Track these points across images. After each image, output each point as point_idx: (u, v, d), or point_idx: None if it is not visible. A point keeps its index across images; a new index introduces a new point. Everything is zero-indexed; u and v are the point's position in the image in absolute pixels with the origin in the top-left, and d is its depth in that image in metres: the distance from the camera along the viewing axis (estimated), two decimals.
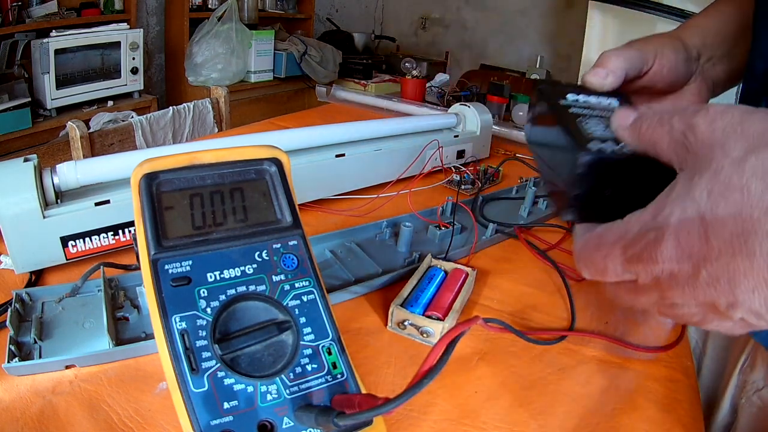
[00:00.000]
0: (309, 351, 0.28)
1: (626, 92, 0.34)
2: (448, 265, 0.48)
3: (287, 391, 0.26)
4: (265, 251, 0.30)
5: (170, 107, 1.27)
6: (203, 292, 0.27)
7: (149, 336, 0.37)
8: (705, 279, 0.20)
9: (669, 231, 0.21)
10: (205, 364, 0.25)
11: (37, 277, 0.44)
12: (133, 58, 1.89)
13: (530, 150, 0.34)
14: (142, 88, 1.98)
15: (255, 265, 0.29)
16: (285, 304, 0.29)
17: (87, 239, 0.45)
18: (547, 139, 0.30)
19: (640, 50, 0.35)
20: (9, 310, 0.36)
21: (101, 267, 0.40)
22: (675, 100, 0.39)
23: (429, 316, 0.41)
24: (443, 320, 0.40)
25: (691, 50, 0.39)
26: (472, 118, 0.82)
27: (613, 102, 0.32)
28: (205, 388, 0.25)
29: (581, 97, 0.31)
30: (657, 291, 0.23)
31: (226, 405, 0.25)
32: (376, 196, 0.63)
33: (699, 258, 0.20)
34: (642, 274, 0.23)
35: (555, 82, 0.34)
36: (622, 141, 0.25)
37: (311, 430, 0.26)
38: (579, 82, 0.34)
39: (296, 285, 0.30)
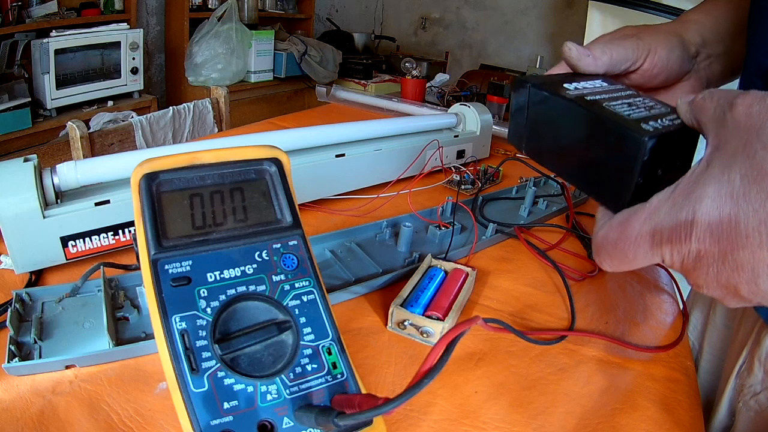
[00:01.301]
0: (309, 351, 0.28)
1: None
2: (448, 265, 0.48)
3: (287, 391, 0.26)
4: (265, 251, 0.30)
5: (170, 107, 1.27)
6: (203, 292, 0.27)
7: (149, 336, 0.37)
8: (731, 264, 0.21)
9: (702, 211, 0.21)
10: (205, 364, 0.25)
11: (37, 277, 0.44)
12: (133, 58, 1.89)
13: (531, 152, 0.33)
14: (142, 88, 1.98)
15: (255, 265, 0.29)
16: (285, 304, 0.29)
17: (87, 239, 0.45)
18: (573, 134, 0.29)
19: (630, 48, 0.34)
20: (9, 310, 0.36)
21: (101, 267, 0.40)
22: (666, 96, 0.39)
23: (429, 316, 0.41)
24: (443, 320, 0.40)
25: (690, 48, 0.38)
26: (472, 118, 0.82)
27: (605, 83, 0.32)
28: (205, 388, 0.25)
29: (581, 84, 0.31)
30: (683, 271, 0.23)
31: (226, 405, 0.25)
32: (376, 196, 0.63)
33: (728, 242, 0.20)
34: (668, 256, 0.23)
35: (533, 76, 0.33)
36: (681, 114, 0.26)
37: (311, 430, 0.26)
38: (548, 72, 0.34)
39: (296, 285, 0.30)
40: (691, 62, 0.38)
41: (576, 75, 0.33)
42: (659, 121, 0.26)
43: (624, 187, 0.26)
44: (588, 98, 0.29)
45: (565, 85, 0.30)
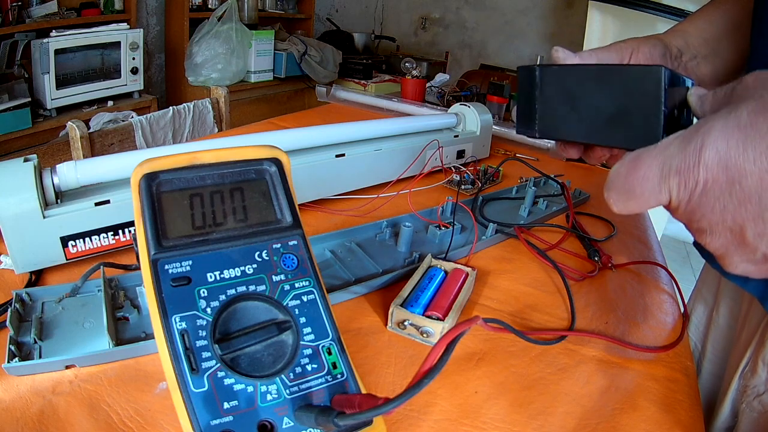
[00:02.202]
0: (309, 351, 0.28)
1: None
2: (448, 265, 0.48)
3: (287, 391, 0.26)
4: (265, 251, 0.30)
5: (170, 107, 1.27)
6: (203, 292, 0.27)
7: (149, 336, 0.37)
8: (738, 194, 0.21)
9: (710, 138, 0.22)
10: (205, 364, 0.25)
11: (37, 277, 0.44)
12: (133, 58, 1.89)
13: (545, 130, 0.36)
14: (142, 88, 1.98)
15: (255, 265, 0.29)
16: (285, 304, 0.29)
17: (87, 239, 0.45)
18: (594, 93, 0.32)
19: (614, 49, 0.37)
20: (9, 310, 0.36)
21: (101, 267, 0.40)
22: None
23: (429, 316, 0.41)
24: (443, 320, 0.40)
25: (672, 48, 0.40)
26: (472, 118, 0.82)
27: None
28: (205, 388, 0.25)
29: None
30: (689, 211, 0.23)
31: (226, 405, 0.25)
32: (376, 196, 0.63)
33: (735, 169, 0.21)
34: (675, 190, 0.23)
35: (541, 65, 0.36)
36: (692, 104, 0.28)
37: (311, 430, 0.26)
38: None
39: (296, 285, 0.30)
40: (675, 61, 0.41)
41: None
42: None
43: (654, 121, 0.28)
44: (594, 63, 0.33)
45: (563, 64, 0.34)
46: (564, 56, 0.35)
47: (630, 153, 0.25)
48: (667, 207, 0.25)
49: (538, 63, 1.99)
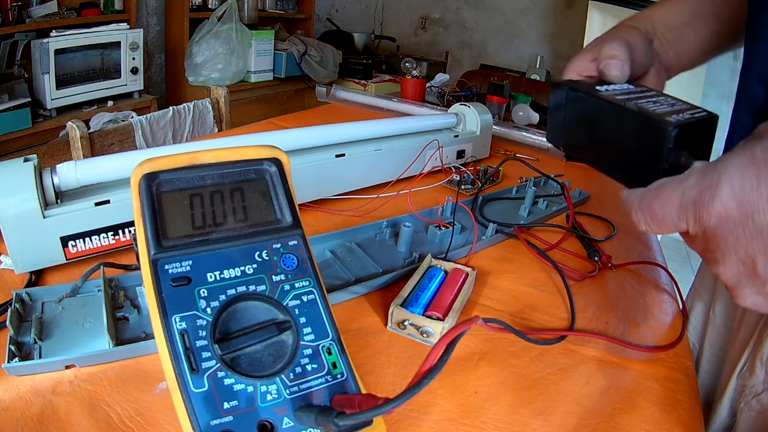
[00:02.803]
0: (309, 351, 0.28)
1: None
2: (448, 265, 0.48)
3: (287, 391, 0.26)
4: (265, 251, 0.30)
5: (170, 107, 1.26)
6: (203, 292, 0.27)
7: (149, 336, 0.37)
8: (751, 229, 0.22)
9: (726, 174, 0.23)
10: (205, 364, 0.25)
11: (37, 277, 0.44)
12: (133, 58, 1.89)
13: (567, 148, 0.38)
14: (142, 88, 1.98)
15: (255, 265, 0.29)
16: (285, 304, 0.29)
17: (87, 239, 0.45)
18: (608, 128, 0.34)
19: (625, 39, 0.38)
20: (9, 310, 0.36)
21: (101, 267, 0.40)
22: (641, 83, 0.42)
23: (429, 316, 0.41)
24: (443, 320, 0.40)
25: (648, 35, 0.42)
26: (472, 118, 0.82)
27: (631, 86, 0.37)
28: (205, 388, 0.25)
29: (611, 87, 0.36)
30: (703, 242, 0.25)
31: (226, 405, 0.25)
32: (376, 196, 0.63)
33: (749, 205, 0.22)
34: (692, 221, 0.25)
35: (568, 81, 0.38)
36: None
37: (311, 430, 0.26)
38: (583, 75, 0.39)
39: (296, 285, 0.30)
40: (651, 50, 0.42)
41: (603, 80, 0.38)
42: (681, 114, 0.30)
43: (653, 172, 0.29)
44: (618, 97, 0.33)
45: (597, 87, 0.35)
46: (620, 76, 0.36)
47: (656, 182, 0.28)
48: (684, 235, 0.27)
49: (537, 65, 2.00)
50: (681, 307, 0.50)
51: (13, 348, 0.33)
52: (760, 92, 0.39)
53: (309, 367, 0.28)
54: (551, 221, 0.65)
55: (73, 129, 1.00)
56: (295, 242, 0.31)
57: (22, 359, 0.33)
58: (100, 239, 0.45)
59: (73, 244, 0.44)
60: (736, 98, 0.42)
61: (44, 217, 0.42)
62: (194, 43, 2.06)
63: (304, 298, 0.30)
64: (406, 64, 1.82)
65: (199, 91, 2.08)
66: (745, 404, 0.44)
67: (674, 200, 0.25)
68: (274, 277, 0.29)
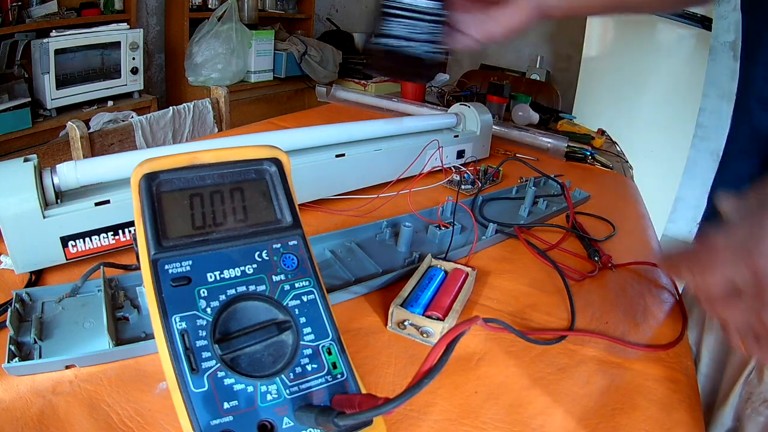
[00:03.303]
0: (309, 351, 0.28)
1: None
2: (448, 265, 0.48)
3: (287, 391, 0.26)
4: (265, 251, 0.30)
5: (170, 107, 1.26)
6: (203, 292, 0.27)
7: (149, 336, 0.37)
8: None
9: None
10: (205, 364, 0.25)
11: (37, 277, 0.44)
12: (133, 58, 1.89)
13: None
14: (142, 88, 1.98)
15: (255, 265, 0.29)
16: (285, 304, 0.29)
17: (87, 239, 0.45)
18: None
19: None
20: (9, 310, 0.36)
21: (101, 267, 0.40)
22: (499, 14, 0.44)
23: (429, 316, 0.41)
24: (443, 320, 0.40)
25: None
26: (472, 118, 0.82)
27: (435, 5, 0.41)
28: (205, 388, 0.25)
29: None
30: (753, 297, 0.26)
31: (226, 405, 0.25)
32: (376, 196, 0.63)
33: None
34: (744, 272, 0.26)
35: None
36: (724, 210, 0.30)
37: (311, 430, 0.26)
38: None
39: (296, 285, 0.30)
40: None
41: None
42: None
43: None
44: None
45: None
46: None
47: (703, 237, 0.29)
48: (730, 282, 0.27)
49: (537, 65, 2.00)
50: (681, 307, 0.50)
51: (13, 348, 0.33)
52: (756, 111, 0.40)
53: (309, 367, 0.28)
54: (551, 221, 0.65)
55: (73, 129, 1.00)
56: (295, 242, 0.31)
57: (22, 359, 0.33)
58: (100, 239, 0.45)
59: (73, 244, 0.44)
60: (733, 116, 0.43)
61: (44, 217, 0.42)
62: (194, 43, 2.06)
63: (304, 298, 0.30)
64: None
65: (199, 91, 2.08)
66: (752, 410, 0.44)
67: (727, 253, 0.27)
68: (274, 277, 0.29)
